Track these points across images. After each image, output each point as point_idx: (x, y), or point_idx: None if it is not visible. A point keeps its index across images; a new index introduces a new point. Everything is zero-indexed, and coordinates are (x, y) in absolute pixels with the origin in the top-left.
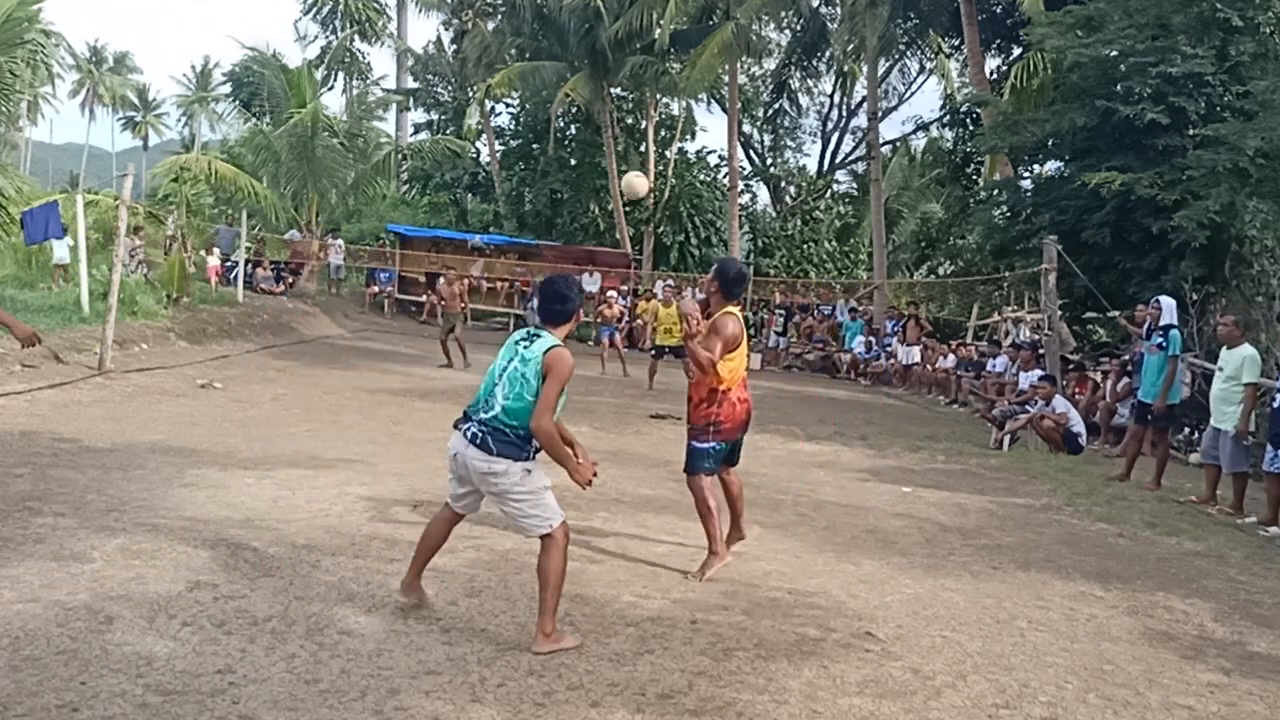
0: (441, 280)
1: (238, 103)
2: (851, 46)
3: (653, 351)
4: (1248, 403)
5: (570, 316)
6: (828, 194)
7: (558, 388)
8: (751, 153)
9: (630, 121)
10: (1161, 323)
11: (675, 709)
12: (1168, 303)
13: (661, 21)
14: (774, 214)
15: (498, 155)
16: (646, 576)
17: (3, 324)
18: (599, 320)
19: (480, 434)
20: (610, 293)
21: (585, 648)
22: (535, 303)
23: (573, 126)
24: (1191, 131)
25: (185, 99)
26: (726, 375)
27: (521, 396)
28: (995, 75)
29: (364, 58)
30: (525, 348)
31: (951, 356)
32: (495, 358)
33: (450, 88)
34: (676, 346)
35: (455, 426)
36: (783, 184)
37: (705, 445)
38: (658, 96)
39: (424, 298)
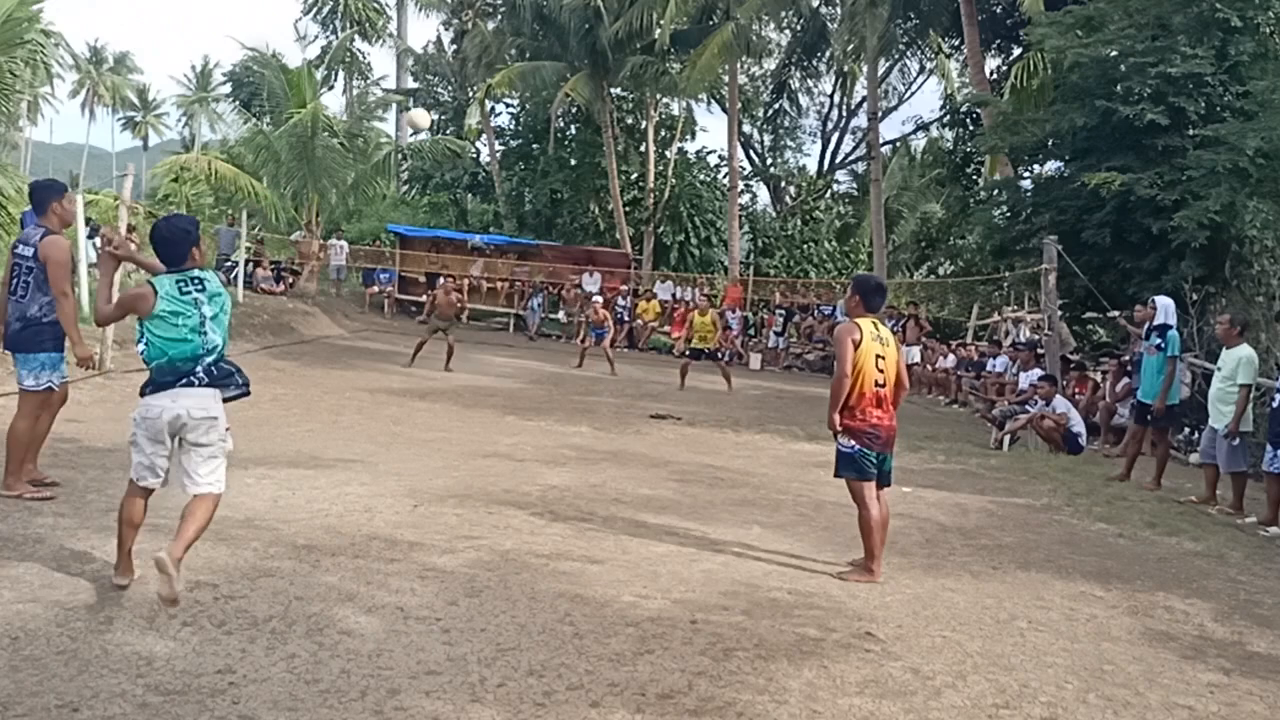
0: (439, 290)
1: (238, 103)
2: (851, 46)
3: (687, 354)
4: (1240, 404)
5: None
6: (828, 194)
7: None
8: (751, 153)
9: (630, 121)
10: (1156, 322)
11: (675, 709)
12: (1163, 303)
13: (661, 21)
14: (774, 214)
15: (498, 155)
16: (646, 576)
17: (69, 335)
18: (587, 322)
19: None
20: (596, 298)
21: (585, 648)
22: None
23: (573, 126)
24: (1191, 131)
25: (185, 99)
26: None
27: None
28: (995, 75)
29: (364, 58)
30: (200, 290)
31: (951, 356)
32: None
33: (450, 88)
34: (712, 350)
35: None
36: (783, 184)
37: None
38: (658, 96)
39: (424, 298)
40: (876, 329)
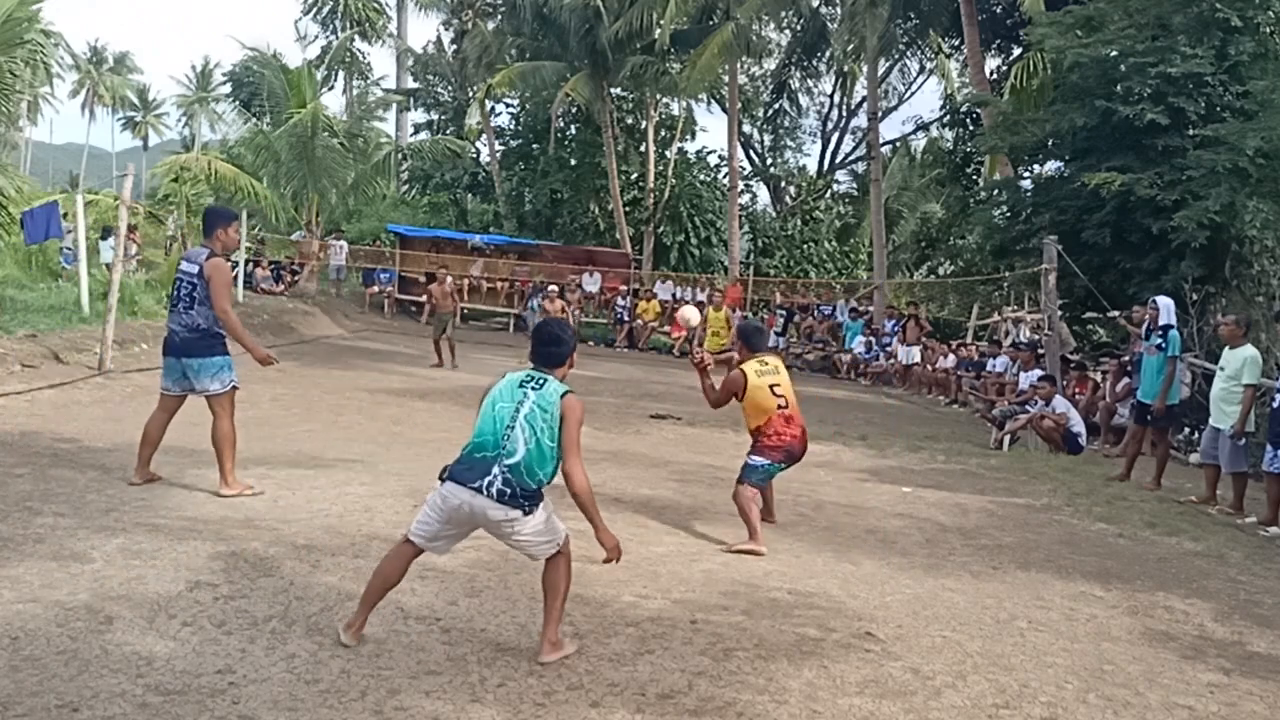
0: (435, 286)
1: (238, 103)
2: (851, 46)
3: (702, 352)
4: (1245, 404)
5: (565, 359)
6: (828, 194)
7: (578, 430)
8: (751, 153)
9: (630, 121)
10: (1160, 322)
11: (675, 709)
12: (1164, 302)
13: (661, 21)
14: (774, 214)
15: (498, 155)
16: (646, 576)
17: (242, 344)
18: (542, 315)
19: (505, 488)
20: (551, 287)
21: (585, 648)
22: (531, 345)
23: (573, 126)
24: (1191, 131)
25: (185, 99)
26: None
27: (542, 441)
28: (995, 75)
29: (364, 58)
30: (535, 390)
31: (951, 356)
32: (490, 397)
33: (450, 88)
34: (718, 350)
35: (452, 478)
36: (783, 184)
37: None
38: (658, 96)
39: (424, 298)
40: (762, 364)
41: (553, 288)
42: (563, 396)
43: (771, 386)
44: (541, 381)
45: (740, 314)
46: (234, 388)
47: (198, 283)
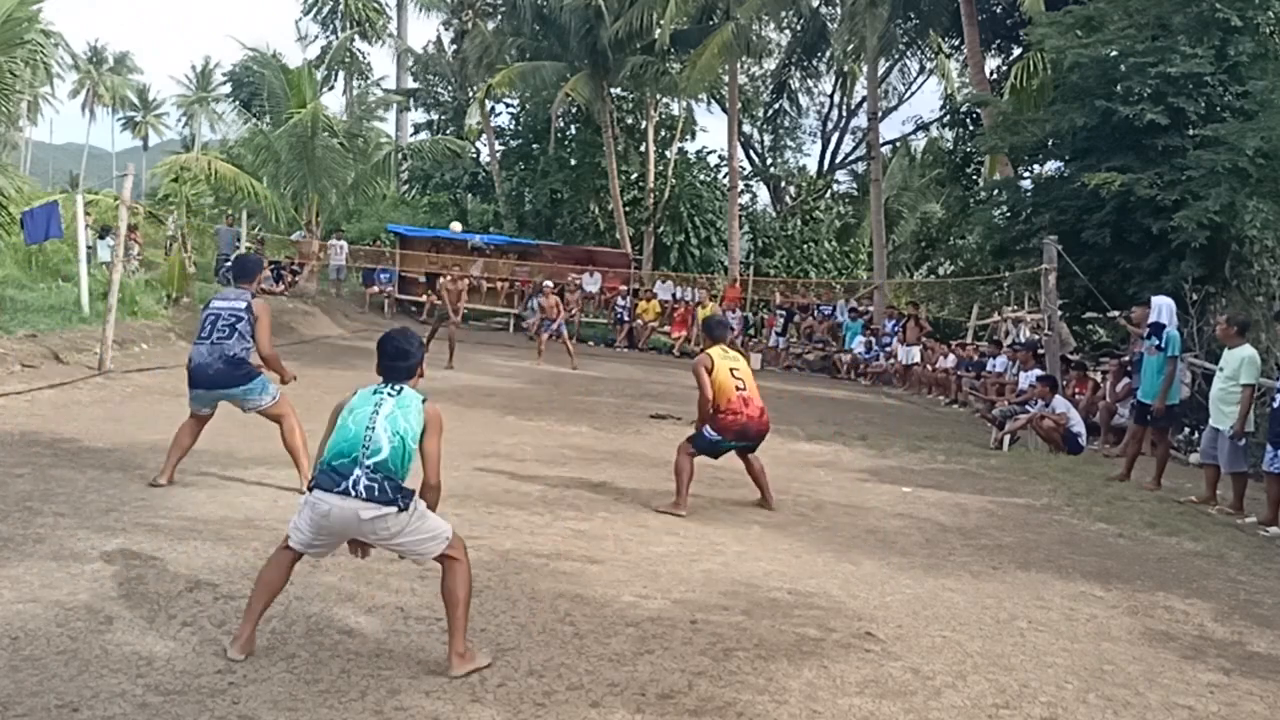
0: (447, 279)
1: (238, 103)
2: (851, 46)
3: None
4: (1243, 404)
5: (414, 371)
6: (828, 194)
7: (439, 440)
8: (751, 153)
9: (630, 121)
10: (1149, 320)
11: (675, 709)
12: (1157, 302)
13: (661, 21)
14: (774, 214)
15: (498, 155)
16: (646, 576)
17: (279, 373)
18: (541, 315)
19: (371, 484)
20: (547, 283)
21: (585, 648)
22: (378, 360)
23: (573, 126)
24: (1191, 132)
25: (185, 99)
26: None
27: (406, 440)
28: (995, 75)
29: (364, 58)
30: (393, 396)
31: (951, 356)
32: (344, 409)
33: (450, 88)
34: None
35: (318, 486)
36: (783, 184)
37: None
38: (658, 96)
39: (424, 298)
40: (725, 352)
41: (548, 284)
42: (424, 402)
43: (732, 369)
44: (398, 389)
45: (740, 314)
46: (281, 397)
47: (245, 316)
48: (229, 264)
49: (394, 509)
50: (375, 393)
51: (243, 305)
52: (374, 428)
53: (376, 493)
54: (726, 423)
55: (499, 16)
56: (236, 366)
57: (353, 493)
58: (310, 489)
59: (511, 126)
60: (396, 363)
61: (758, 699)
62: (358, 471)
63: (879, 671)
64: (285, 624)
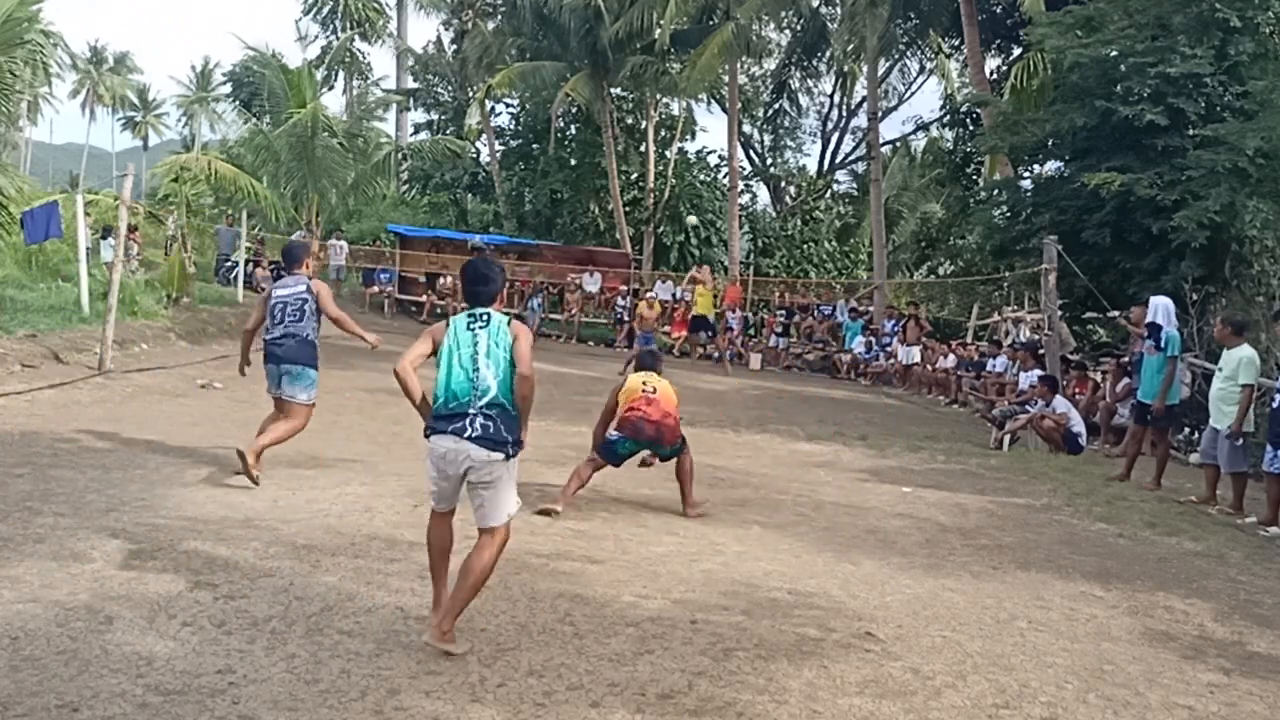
0: (448, 279)
1: (238, 103)
2: (851, 46)
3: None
4: (1242, 404)
5: (496, 296)
6: (828, 194)
7: (527, 343)
8: (751, 153)
9: (630, 121)
10: (1146, 320)
11: (675, 709)
12: (1154, 302)
13: (661, 21)
14: (774, 214)
15: (498, 155)
16: (646, 576)
17: (358, 335)
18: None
19: (487, 423)
20: (643, 293)
21: (585, 648)
22: (463, 287)
23: (573, 126)
24: (1191, 132)
25: (185, 99)
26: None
27: (504, 370)
28: (995, 75)
29: (364, 58)
30: (484, 327)
31: (951, 356)
32: (446, 347)
33: (450, 88)
34: (711, 322)
35: (435, 431)
36: (783, 184)
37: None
38: (658, 96)
39: (424, 298)
40: (646, 378)
41: (649, 295)
42: (509, 323)
43: (643, 383)
44: (486, 318)
45: (740, 314)
46: (313, 404)
47: (308, 298)
48: (228, 262)
49: (501, 455)
50: (469, 328)
51: (303, 288)
52: (479, 369)
53: (491, 431)
54: (624, 417)
55: (499, 16)
56: (307, 347)
57: (467, 433)
58: (427, 435)
59: (511, 126)
60: (478, 287)
61: (758, 699)
62: (472, 412)
63: (879, 671)
64: (285, 624)
